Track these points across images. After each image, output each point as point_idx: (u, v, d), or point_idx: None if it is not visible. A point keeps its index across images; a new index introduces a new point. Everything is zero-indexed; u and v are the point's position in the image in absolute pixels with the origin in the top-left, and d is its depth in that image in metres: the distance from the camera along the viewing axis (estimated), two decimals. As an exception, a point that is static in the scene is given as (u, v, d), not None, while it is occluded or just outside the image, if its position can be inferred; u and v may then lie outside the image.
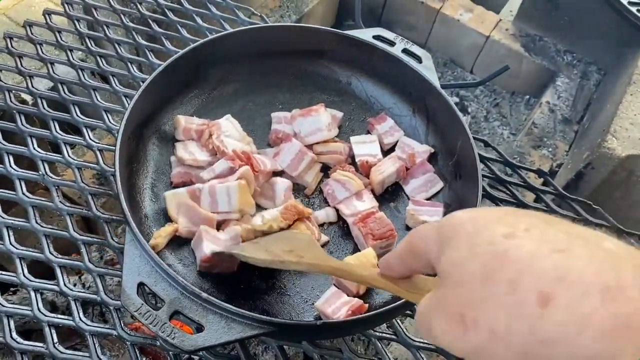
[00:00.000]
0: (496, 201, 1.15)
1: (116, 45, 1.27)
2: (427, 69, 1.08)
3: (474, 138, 1.25)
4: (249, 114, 1.09)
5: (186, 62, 1.02)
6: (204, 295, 0.73)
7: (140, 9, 1.35)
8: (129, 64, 1.24)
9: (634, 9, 1.62)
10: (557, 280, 0.37)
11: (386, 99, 1.12)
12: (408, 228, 0.98)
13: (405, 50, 1.11)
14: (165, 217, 0.93)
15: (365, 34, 1.11)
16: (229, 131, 0.98)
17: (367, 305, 0.83)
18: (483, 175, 1.18)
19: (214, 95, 1.09)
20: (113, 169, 0.87)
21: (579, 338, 0.35)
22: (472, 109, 2.11)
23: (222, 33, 1.06)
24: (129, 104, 0.92)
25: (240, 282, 0.87)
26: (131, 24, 1.32)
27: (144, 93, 0.93)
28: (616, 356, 0.34)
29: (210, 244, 0.84)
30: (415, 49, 1.11)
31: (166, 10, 1.36)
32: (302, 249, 0.77)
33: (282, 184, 0.96)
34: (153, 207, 0.93)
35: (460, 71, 2.20)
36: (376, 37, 1.11)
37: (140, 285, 0.76)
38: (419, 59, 1.10)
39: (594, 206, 1.17)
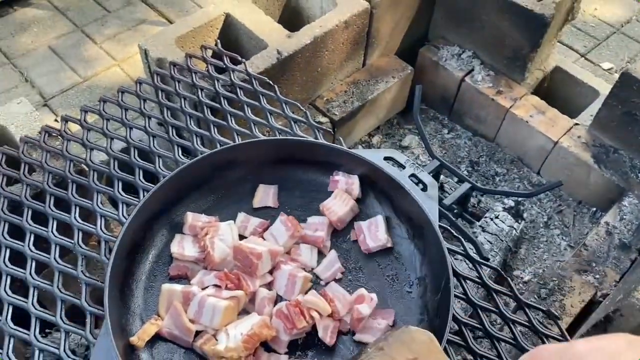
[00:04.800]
0: (493, 340, 1.12)
1: (169, 128, 1.42)
2: (430, 199, 1.10)
3: (488, 265, 1.24)
4: (257, 216, 1.17)
5: (204, 165, 1.12)
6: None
7: (200, 96, 1.50)
8: (176, 146, 1.38)
9: None
10: None
11: (392, 217, 1.14)
12: None
13: (413, 175, 1.13)
14: (154, 307, 1.02)
15: (378, 155, 1.15)
16: (224, 235, 1.06)
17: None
18: (486, 309, 1.15)
19: (229, 194, 1.18)
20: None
21: None
22: (533, 213, 2.02)
23: (243, 142, 1.15)
24: (140, 200, 1.03)
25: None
26: (188, 109, 1.47)
27: (157, 192, 1.04)
28: None
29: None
30: (423, 176, 1.13)
31: (222, 99, 1.50)
32: (424, 356, 0.84)
33: (262, 293, 1.02)
34: (146, 296, 1.03)
35: (527, 170, 2.13)
36: (387, 159, 1.15)
37: (102, 377, 0.85)
38: (425, 186, 1.12)
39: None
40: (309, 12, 2.01)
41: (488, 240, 1.79)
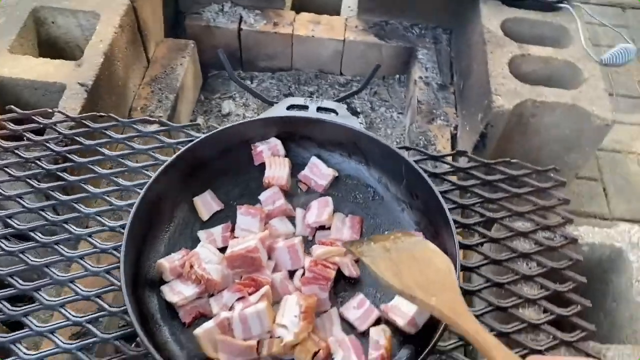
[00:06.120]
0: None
1: (41, 213, 1.24)
2: (346, 118, 1.20)
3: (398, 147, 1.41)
4: (214, 222, 1.13)
5: (137, 223, 1.01)
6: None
7: (44, 166, 1.31)
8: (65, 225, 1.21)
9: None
10: None
11: (320, 152, 1.21)
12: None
13: (320, 108, 1.21)
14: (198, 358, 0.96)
15: (280, 108, 1.20)
16: (208, 257, 1.02)
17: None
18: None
19: (175, 225, 1.12)
20: None
21: None
22: (358, 105, 2.27)
23: (155, 177, 1.06)
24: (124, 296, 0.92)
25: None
26: (42, 185, 1.28)
27: (126, 276, 0.94)
28: None
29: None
30: (327, 104, 1.21)
31: (68, 155, 1.33)
32: (437, 286, 0.74)
33: (277, 277, 1.03)
34: (183, 354, 0.96)
35: (332, 77, 2.35)
36: (290, 107, 1.20)
37: None
38: (335, 112, 1.21)
39: (512, 161, 1.37)
40: (66, 36, 1.82)
41: (351, 143, 1.97)
